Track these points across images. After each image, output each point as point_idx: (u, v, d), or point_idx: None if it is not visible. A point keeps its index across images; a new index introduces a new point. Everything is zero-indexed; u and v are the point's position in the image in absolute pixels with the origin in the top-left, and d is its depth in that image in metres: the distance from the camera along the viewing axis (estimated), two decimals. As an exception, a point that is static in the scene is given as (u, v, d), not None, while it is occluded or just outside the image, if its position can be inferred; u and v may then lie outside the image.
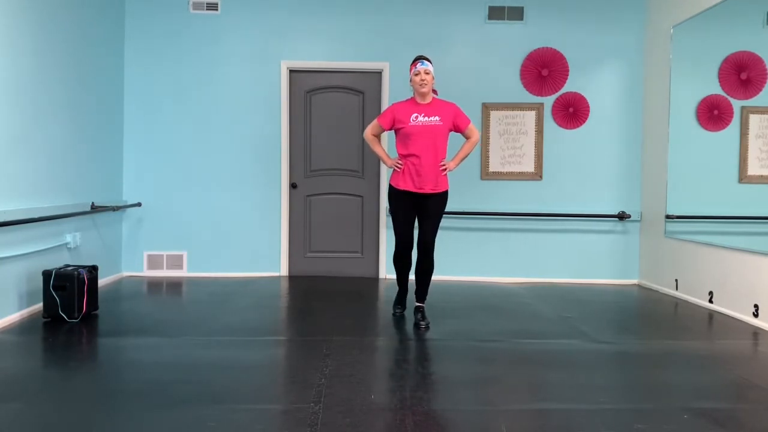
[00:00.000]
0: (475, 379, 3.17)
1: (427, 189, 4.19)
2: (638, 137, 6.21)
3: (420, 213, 4.27)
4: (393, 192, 4.28)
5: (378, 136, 4.41)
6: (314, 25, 6.14)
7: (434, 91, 4.30)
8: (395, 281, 4.71)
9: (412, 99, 4.27)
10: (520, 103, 6.19)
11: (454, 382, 3.14)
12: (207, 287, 5.56)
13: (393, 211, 4.31)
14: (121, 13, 6.01)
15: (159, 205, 6.13)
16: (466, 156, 4.35)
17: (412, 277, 4.57)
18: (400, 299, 4.60)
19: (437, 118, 4.16)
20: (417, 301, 4.42)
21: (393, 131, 4.38)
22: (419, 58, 4.20)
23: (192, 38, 6.10)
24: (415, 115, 4.17)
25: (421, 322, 4.26)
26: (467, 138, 4.31)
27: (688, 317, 4.72)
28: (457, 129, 4.27)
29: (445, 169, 4.21)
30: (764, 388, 3.10)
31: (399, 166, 4.22)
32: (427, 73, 4.14)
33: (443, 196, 4.27)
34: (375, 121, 4.37)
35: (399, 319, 4.46)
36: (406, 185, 4.20)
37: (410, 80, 4.23)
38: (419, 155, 4.14)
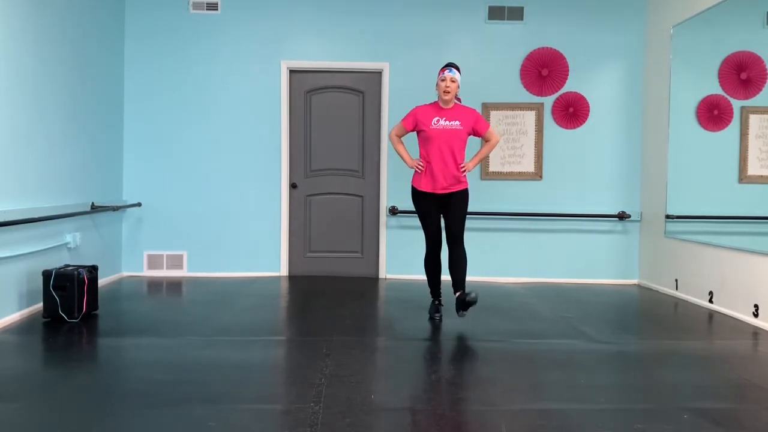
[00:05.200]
0: (475, 379, 3.17)
1: (447, 189, 4.33)
2: (638, 137, 6.21)
3: (444, 210, 4.41)
4: (416, 193, 4.44)
5: (401, 137, 4.54)
6: (314, 25, 6.14)
7: (458, 99, 4.45)
8: (427, 285, 4.67)
9: (436, 103, 4.43)
10: (520, 103, 6.19)
11: (454, 382, 3.14)
12: (207, 287, 5.56)
13: (419, 211, 4.46)
14: (122, 14, 6.01)
15: (159, 205, 6.13)
16: (485, 157, 4.57)
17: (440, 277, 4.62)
18: (437, 308, 4.52)
19: (457, 122, 4.32)
20: (456, 292, 4.33)
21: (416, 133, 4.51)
22: (449, 65, 4.36)
23: (192, 38, 6.10)
24: (437, 119, 4.33)
25: (470, 295, 4.12)
26: (486, 140, 4.45)
27: (688, 317, 4.72)
28: (476, 134, 4.42)
29: (465, 170, 4.35)
30: (764, 388, 3.10)
31: (420, 167, 4.37)
32: (453, 81, 4.31)
33: (464, 193, 4.40)
34: (399, 123, 4.52)
35: (400, 320, 4.46)
36: (426, 186, 4.36)
37: (436, 84, 4.39)
38: (439, 158, 4.31)
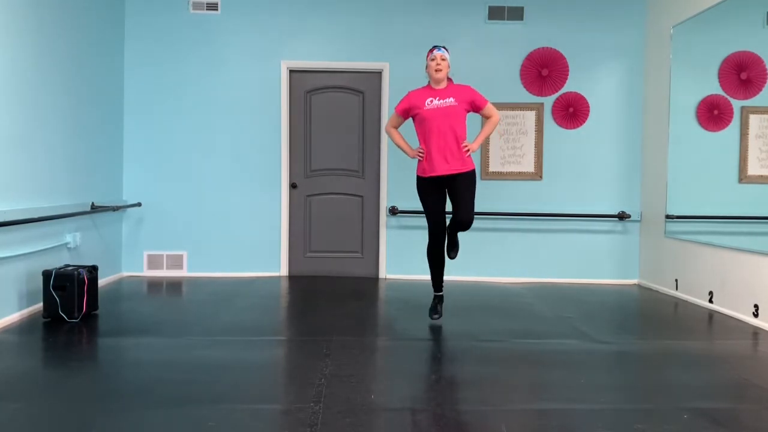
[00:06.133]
0: (475, 379, 3.17)
1: (453, 170, 4.13)
2: (638, 137, 6.21)
3: (451, 194, 4.21)
4: (420, 181, 4.25)
5: (398, 128, 4.38)
6: (314, 25, 6.14)
7: (449, 79, 4.26)
8: (424, 283, 4.56)
9: (428, 85, 4.26)
10: (520, 103, 6.19)
11: (454, 382, 3.14)
12: (207, 287, 5.56)
13: (422, 199, 4.26)
14: (121, 14, 6.01)
15: (159, 205, 6.13)
16: (487, 136, 4.33)
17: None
18: (436, 306, 4.41)
19: (452, 99, 4.13)
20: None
21: (412, 120, 4.32)
22: (436, 46, 4.21)
23: (192, 38, 6.10)
24: (430, 99, 4.15)
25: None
26: (487, 118, 4.27)
27: (688, 317, 4.72)
28: (475, 109, 4.23)
29: (468, 150, 4.16)
30: (764, 388, 3.10)
31: (421, 154, 4.19)
32: (443, 59, 4.14)
33: (470, 175, 4.19)
34: (393, 113, 4.37)
35: (400, 320, 4.46)
36: (431, 171, 4.15)
37: (426, 67, 4.21)
38: (438, 137, 4.10)
